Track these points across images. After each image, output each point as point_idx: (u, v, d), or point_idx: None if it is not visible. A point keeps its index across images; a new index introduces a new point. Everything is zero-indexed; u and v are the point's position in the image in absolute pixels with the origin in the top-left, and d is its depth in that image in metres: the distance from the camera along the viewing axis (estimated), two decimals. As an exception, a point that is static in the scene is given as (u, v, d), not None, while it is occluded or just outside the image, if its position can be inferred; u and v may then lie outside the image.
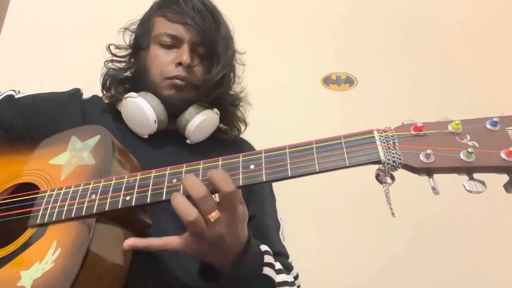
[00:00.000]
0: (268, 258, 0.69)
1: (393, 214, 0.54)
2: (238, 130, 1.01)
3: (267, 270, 0.68)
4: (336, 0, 1.53)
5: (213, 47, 0.91)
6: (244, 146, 1.00)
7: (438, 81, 1.44)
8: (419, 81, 1.44)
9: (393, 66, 1.45)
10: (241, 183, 0.58)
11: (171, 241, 0.60)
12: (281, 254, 0.85)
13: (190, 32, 0.89)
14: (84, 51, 1.37)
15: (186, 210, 0.56)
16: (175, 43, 0.90)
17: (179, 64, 0.88)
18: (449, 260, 1.30)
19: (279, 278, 0.73)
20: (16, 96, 0.94)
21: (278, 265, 0.74)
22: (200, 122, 0.90)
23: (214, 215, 0.57)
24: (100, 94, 1.00)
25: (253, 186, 0.59)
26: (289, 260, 0.86)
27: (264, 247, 0.71)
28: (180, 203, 0.57)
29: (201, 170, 0.61)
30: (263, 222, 0.88)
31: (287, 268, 0.82)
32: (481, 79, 1.44)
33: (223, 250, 0.61)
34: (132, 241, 0.60)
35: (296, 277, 0.83)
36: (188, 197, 0.57)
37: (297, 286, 0.84)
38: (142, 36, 0.95)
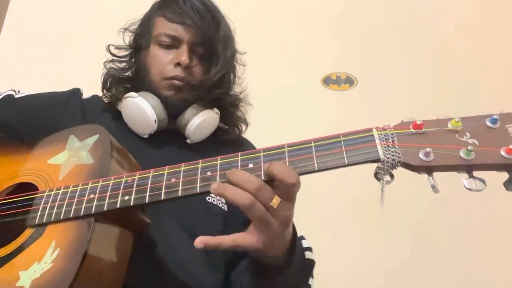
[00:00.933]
0: (305, 243, 0.71)
1: (382, 203, 0.54)
2: (238, 130, 1.01)
3: (309, 254, 0.70)
4: (336, 0, 1.53)
5: (212, 47, 0.91)
6: (244, 145, 1.00)
7: (438, 80, 1.44)
8: (419, 81, 1.44)
9: (393, 66, 1.45)
10: None
11: (240, 238, 0.58)
12: None
13: (189, 32, 0.89)
14: (84, 51, 1.37)
15: (241, 196, 0.54)
16: (174, 43, 0.89)
17: (178, 64, 0.88)
18: (448, 258, 1.29)
19: None
20: (16, 96, 0.94)
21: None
22: (200, 122, 0.89)
23: (275, 201, 0.55)
24: (100, 94, 1.00)
25: None
26: None
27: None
28: (228, 190, 0.55)
29: (199, 170, 0.60)
30: None
31: None
32: (481, 78, 1.43)
33: (286, 240, 0.60)
34: (203, 239, 0.57)
35: None
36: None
37: None
38: (142, 36, 0.95)
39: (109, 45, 0.99)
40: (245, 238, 0.57)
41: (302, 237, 0.71)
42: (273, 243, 0.58)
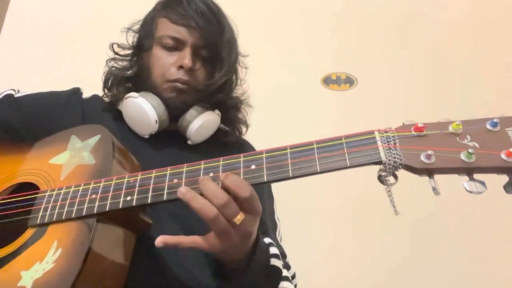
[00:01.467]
0: (274, 250, 0.70)
1: (396, 212, 0.54)
2: (239, 132, 1.01)
3: (274, 261, 0.69)
4: (336, 0, 1.53)
5: (217, 51, 0.90)
6: (245, 147, 1.00)
7: (438, 81, 1.45)
8: (419, 81, 1.45)
9: (393, 66, 1.46)
10: None
11: (199, 240, 0.59)
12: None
13: (193, 35, 0.88)
14: (84, 51, 1.37)
15: (205, 208, 0.55)
16: (177, 45, 0.89)
17: (181, 67, 0.87)
18: (448, 260, 1.30)
19: (283, 272, 0.74)
20: (16, 96, 0.94)
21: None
22: (201, 124, 0.89)
23: (239, 217, 0.56)
24: (101, 94, 1.00)
25: (253, 186, 0.59)
26: (287, 260, 0.86)
27: (268, 240, 0.72)
28: (195, 199, 0.56)
29: (202, 170, 0.61)
30: (262, 221, 0.88)
31: (286, 267, 0.82)
32: (482, 79, 1.44)
33: (246, 248, 0.61)
34: (163, 238, 0.58)
35: (293, 277, 0.84)
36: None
37: (295, 285, 0.84)
38: (145, 37, 0.94)
39: (112, 44, 0.98)
40: (203, 242, 0.59)
41: (270, 244, 0.71)
42: (231, 251, 0.60)
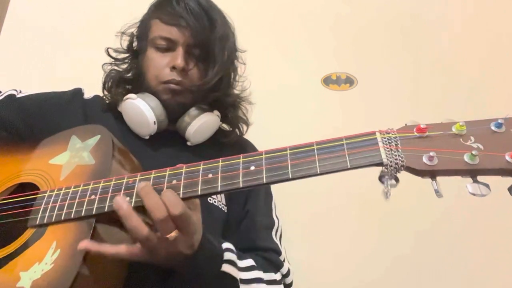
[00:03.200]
0: (229, 255, 0.69)
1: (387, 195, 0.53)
2: (240, 131, 1.00)
3: (226, 267, 0.68)
4: (337, 0, 1.52)
5: (208, 48, 0.89)
6: (246, 147, 0.99)
7: (438, 81, 1.43)
8: (419, 81, 1.44)
9: (393, 66, 1.45)
10: (241, 185, 0.57)
11: (123, 250, 0.59)
12: (270, 249, 0.85)
13: (184, 34, 0.87)
14: (84, 51, 1.36)
15: (138, 228, 0.57)
16: (170, 46, 0.88)
17: (174, 68, 0.87)
18: (451, 264, 1.29)
19: (251, 275, 0.73)
20: (18, 96, 0.94)
21: (247, 263, 0.74)
22: (200, 124, 0.89)
23: (173, 234, 0.57)
24: (101, 94, 0.99)
25: (253, 188, 0.59)
26: (281, 257, 0.86)
27: (226, 245, 0.71)
28: (132, 219, 0.57)
29: (201, 171, 0.60)
30: (254, 218, 0.88)
31: (276, 265, 0.82)
32: (483, 79, 1.43)
33: (177, 260, 0.62)
34: (85, 244, 0.58)
35: (286, 275, 0.83)
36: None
37: (289, 283, 0.84)
38: (139, 40, 0.95)
39: (107, 48, 0.98)
40: (127, 252, 0.59)
41: (227, 249, 0.70)
42: (164, 263, 0.61)
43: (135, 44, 0.96)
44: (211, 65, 0.89)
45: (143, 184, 0.59)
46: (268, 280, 0.77)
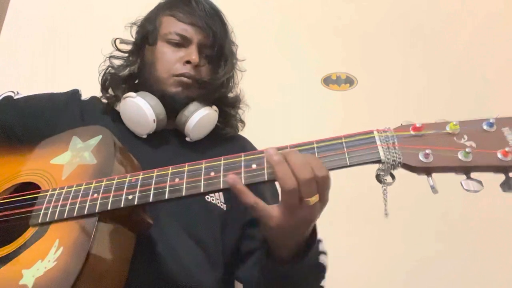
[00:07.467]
0: (322, 247, 0.71)
1: (386, 214, 0.56)
2: (236, 130, 1.02)
3: (322, 259, 0.70)
4: (337, 1, 1.54)
5: (221, 49, 0.94)
6: (244, 144, 1.01)
7: (438, 80, 1.46)
8: (419, 81, 1.46)
9: (392, 66, 1.47)
10: (243, 182, 0.58)
11: (261, 203, 0.58)
12: None
13: (200, 34, 0.91)
14: (84, 52, 1.36)
15: (288, 178, 0.55)
16: (183, 42, 0.91)
17: (187, 62, 0.90)
18: (449, 259, 1.30)
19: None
20: (15, 97, 0.94)
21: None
22: (199, 118, 0.90)
23: (314, 199, 0.56)
24: (99, 95, 1.00)
25: (255, 185, 0.60)
26: None
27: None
28: (284, 169, 0.55)
29: (203, 170, 0.61)
30: None
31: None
32: (483, 79, 1.45)
33: (301, 235, 0.61)
34: (234, 177, 0.57)
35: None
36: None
37: None
38: (147, 34, 0.96)
39: (115, 39, 1.00)
40: (265, 208, 0.58)
41: (320, 240, 0.71)
42: (287, 232, 0.59)
43: (143, 37, 0.97)
44: (222, 64, 0.94)
45: (276, 151, 0.57)
46: None
